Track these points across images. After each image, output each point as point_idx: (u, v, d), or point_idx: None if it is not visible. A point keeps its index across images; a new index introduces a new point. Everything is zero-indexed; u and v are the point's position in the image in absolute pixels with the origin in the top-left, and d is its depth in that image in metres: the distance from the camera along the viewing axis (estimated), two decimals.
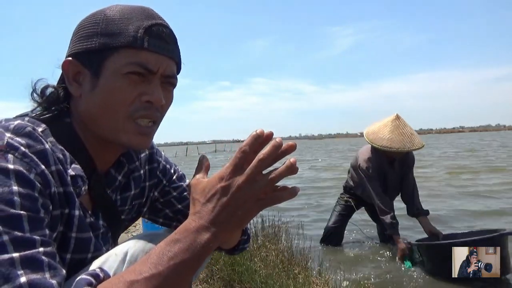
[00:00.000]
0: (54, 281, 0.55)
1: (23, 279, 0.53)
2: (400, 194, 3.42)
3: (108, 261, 0.70)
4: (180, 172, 1.01)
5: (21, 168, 0.60)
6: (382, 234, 3.60)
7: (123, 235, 0.94)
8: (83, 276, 0.60)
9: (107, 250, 0.77)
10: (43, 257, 0.57)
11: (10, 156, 0.61)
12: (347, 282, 2.47)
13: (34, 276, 0.54)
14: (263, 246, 2.76)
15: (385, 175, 3.29)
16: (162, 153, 0.99)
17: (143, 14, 0.73)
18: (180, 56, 0.79)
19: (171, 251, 0.58)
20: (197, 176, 0.68)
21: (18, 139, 0.64)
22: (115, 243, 0.84)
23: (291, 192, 0.62)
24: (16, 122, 0.67)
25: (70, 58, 0.74)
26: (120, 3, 0.76)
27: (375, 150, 3.23)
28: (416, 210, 3.26)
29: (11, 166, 0.60)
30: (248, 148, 0.61)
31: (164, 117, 0.82)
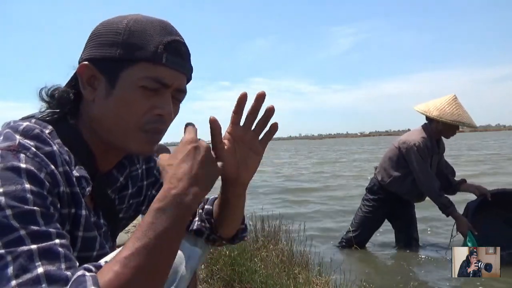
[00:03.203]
0: (69, 273, 0.57)
1: (40, 270, 0.56)
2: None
3: None
4: None
5: (32, 168, 0.63)
6: (399, 240, 3.46)
7: (122, 235, 0.95)
8: (84, 265, 0.62)
9: (109, 248, 0.80)
10: (60, 249, 0.59)
11: (22, 155, 0.64)
12: (348, 283, 2.47)
13: (51, 267, 0.57)
14: (263, 246, 2.76)
15: (431, 157, 3.24)
16: None
17: (163, 29, 0.76)
18: (192, 72, 0.82)
19: (155, 222, 0.61)
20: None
21: (27, 140, 0.67)
22: (114, 242, 0.87)
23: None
24: (24, 124, 0.70)
25: (87, 63, 0.75)
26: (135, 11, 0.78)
27: (428, 130, 3.17)
28: (455, 182, 3.27)
29: (23, 165, 0.63)
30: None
31: None
